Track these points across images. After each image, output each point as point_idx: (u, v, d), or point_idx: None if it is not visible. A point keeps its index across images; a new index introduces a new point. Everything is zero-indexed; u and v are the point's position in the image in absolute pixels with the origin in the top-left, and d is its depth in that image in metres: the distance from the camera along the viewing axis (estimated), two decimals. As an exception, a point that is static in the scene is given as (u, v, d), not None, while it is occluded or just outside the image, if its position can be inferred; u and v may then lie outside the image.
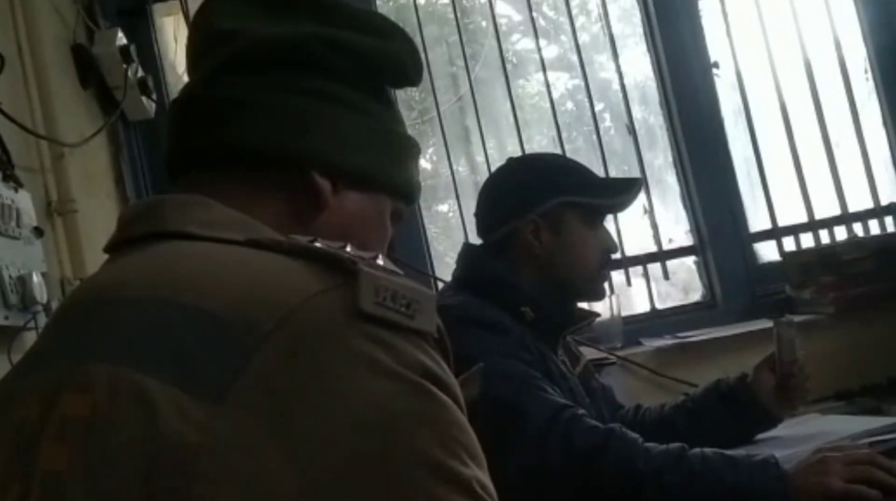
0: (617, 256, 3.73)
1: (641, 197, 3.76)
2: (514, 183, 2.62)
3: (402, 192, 1.35)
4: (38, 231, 2.36)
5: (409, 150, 1.36)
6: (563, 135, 3.90)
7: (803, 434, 2.50)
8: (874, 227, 3.81)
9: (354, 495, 0.85)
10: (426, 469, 0.87)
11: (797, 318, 3.27)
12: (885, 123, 3.88)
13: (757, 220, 3.84)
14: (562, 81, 4.20)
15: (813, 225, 3.81)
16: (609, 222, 3.70)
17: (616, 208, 2.69)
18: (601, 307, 3.53)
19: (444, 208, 4.09)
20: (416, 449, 0.88)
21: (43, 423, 0.93)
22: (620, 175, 3.86)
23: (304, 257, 0.98)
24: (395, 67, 1.32)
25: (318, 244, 1.00)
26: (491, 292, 2.43)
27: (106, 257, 1.17)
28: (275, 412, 0.86)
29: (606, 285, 2.67)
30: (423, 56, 1.37)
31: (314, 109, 1.22)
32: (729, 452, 2.10)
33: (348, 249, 0.99)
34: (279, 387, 0.87)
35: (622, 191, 2.60)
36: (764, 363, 2.57)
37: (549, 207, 2.52)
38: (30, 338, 2.25)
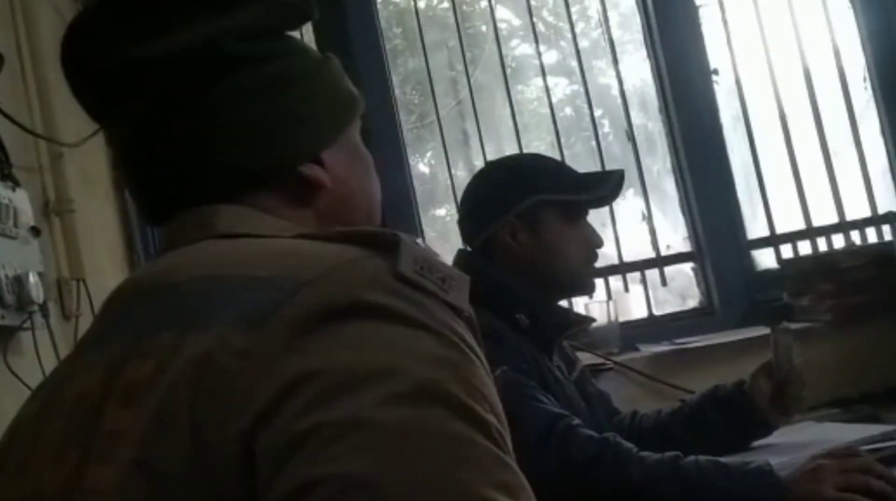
0: (615, 261, 3.75)
1: (640, 203, 3.78)
2: (490, 187, 2.64)
3: (356, 110, 1.37)
4: (36, 231, 2.35)
5: (337, 72, 1.35)
6: (562, 140, 3.91)
7: (800, 442, 2.49)
8: (871, 235, 3.80)
9: (368, 428, 0.84)
10: (443, 404, 0.87)
11: (794, 325, 3.27)
12: (883, 132, 3.88)
13: (755, 227, 3.84)
14: (561, 87, 4.21)
15: (811, 233, 3.82)
16: (607, 228, 3.74)
17: (596, 202, 2.66)
18: (599, 313, 3.54)
19: (441, 212, 4.09)
20: (437, 385, 0.88)
21: (106, 392, 0.97)
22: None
23: (351, 240, 1.02)
24: (289, 16, 1.32)
25: (362, 228, 1.07)
26: (485, 299, 2.42)
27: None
28: (304, 340, 0.89)
29: (596, 280, 2.68)
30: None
31: (268, 111, 1.22)
32: (723, 459, 2.11)
33: (397, 233, 1.02)
34: (312, 324, 0.90)
35: (599, 184, 2.60)
36: (761, 370, 2.57)
37: (525, 207, 2.53)
38: (26, 338, 2.25)
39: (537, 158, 2.86)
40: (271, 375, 0.87)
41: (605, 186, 2.59)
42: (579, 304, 3.67)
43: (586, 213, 2.62)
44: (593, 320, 2.81)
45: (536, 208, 2.53)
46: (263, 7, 1.25)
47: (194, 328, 0.94)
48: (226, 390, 0.88)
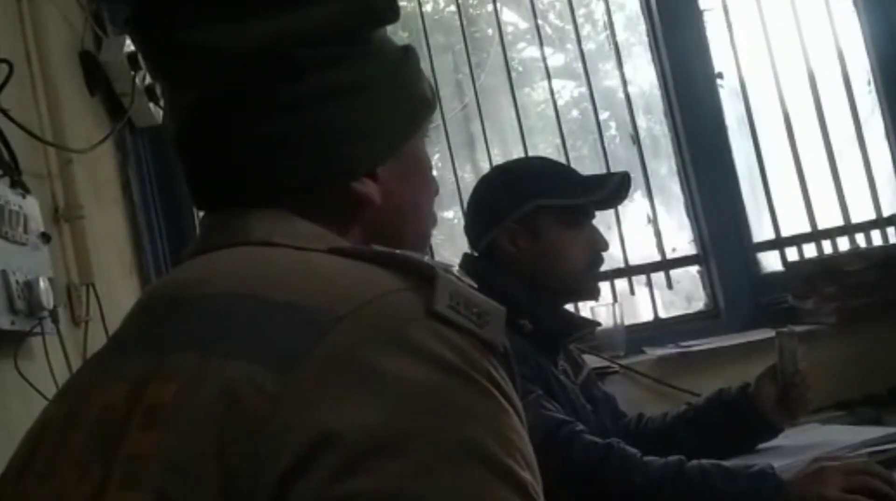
0: (621, 264, 3.76)
1: (645, 206, 3.78)
2: (490, 193, 2.65)
3: (425, 117, 1.30)
4: (46, 237, 2.36)
5: (412, 77, 1.28)
6: (569, 143, 3.92)
7: (804, 444, 2.50)
8: (876, 238, 3.81)
9: (399, 476, 0.83)
10: (478, 460, 0.86)
11: (799, 328, 3.29)
12: (887, 135, 3.88)
13: (760, 230, 3.85)
14: (568, 90, 4.22)
15: (816, 235, 3.83)
16: (613, 231, 3.75)
17: (600, 204, 2.64)
18: (605, 316, 3.55)
19: (449, 214, 4.09)
20: (470, 439, 0.87)
21: (129, 412, 0.95)
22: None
23: (386, 264, 0.99)
24: (369, 17, 1.23)
25: (398, 252, 1.01)
26: None
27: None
28: (337, 385, 0.87)
29: (600, 284, 2.69)
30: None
31: (328, 120, 1.15)
32: (726, 463, 2.12)
33: (426, 259, 1.00)
34: (344, 366, 0.88)
35: (600, 187, 2.59)
36: (766, 373, 2.57)
37: (524, 212, 2.54)
38: (36, 343, 2.27)
39: (541, 162, 2.85)
40: (304, 424, 0.85)
41: (605, 189, 2.58)
42: (585, 308, 3.69)
43: (591, 216, 2.62)
44: (598, 323, 2.81)
45: (535, 214, 2.54)
46: (338, 6, 1.18)
47: (219, 353, 0.92)
48: (256, 435, 0.85)
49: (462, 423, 0.88)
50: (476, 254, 2.65)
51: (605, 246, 2.63)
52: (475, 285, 1.01)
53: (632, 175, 2.64)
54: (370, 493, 0.81)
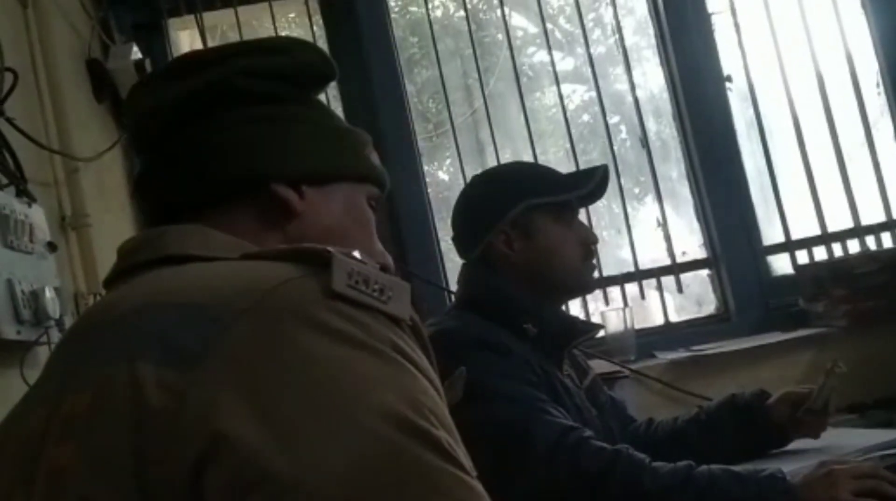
0: (631, 269, 3.76)
1: (655, 210, 3.78)
2: (478, 199, 2.64)
3: (365, 176, 1.40)
4: (52, 246, 2.37)
5: (357, 139, 1.42)
6: (580, 147, 3.92)
7: (814, 447, 2.49)
8: (887, 240, 3.80)
9: (317, 450, 0.86)
10: (392, 423, 0.88)
11: (809, 331, 3.29)
12: (897, 137, 3.87)
13: (770, 233, 3.85)
14: (577, 94, 4.22)
15: (826, 238, 3.81)
16: (623, 235, 3.75)
17: (585, 199, 2.66)
18: (615, 320, 3.55)
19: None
20: (382, 405, 0.89)
21: (46, 431, 0.98)
22: (635, 187, 3.89)
23: (286, 258, 1.03)
24: (309, 71, 1.39)
25: (301, 245, 1.06)
26: (493, 310, 2.44)
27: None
28: (243, 377, 0.89)
29: (594, 278, 2.69)
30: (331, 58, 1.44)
31: (256, 134, 1.29)
32: (736, 467, 2.10)
33: (329, 249, 1.02)
34: (248, 356, 0.91)
35: (585, 181, 2.59)
36: (789, 397, 2.53)
37: (516, 214, 2.53)
38: (43, 353, 2.26)
39: (520, 166, 2.89)
40: (209, 418, 0.87)
41: (591, 182, 2.58)
42: (596, 312, 3.69)
43: (577, 212, 2.63)
44: (601, 326, 2.81)
45: (527, 214, 2.54)
46: (282, 59, 1.35)
47: (128, 359, 0.94)
48: (166, 432, 0.88)
49: (370, 391, 0.90)
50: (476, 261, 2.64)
51: (594, 239, 2.62)
52: (374, 264, 1.03)
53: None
54: (285, 473, 0.84)
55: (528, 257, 2.53)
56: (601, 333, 3.31)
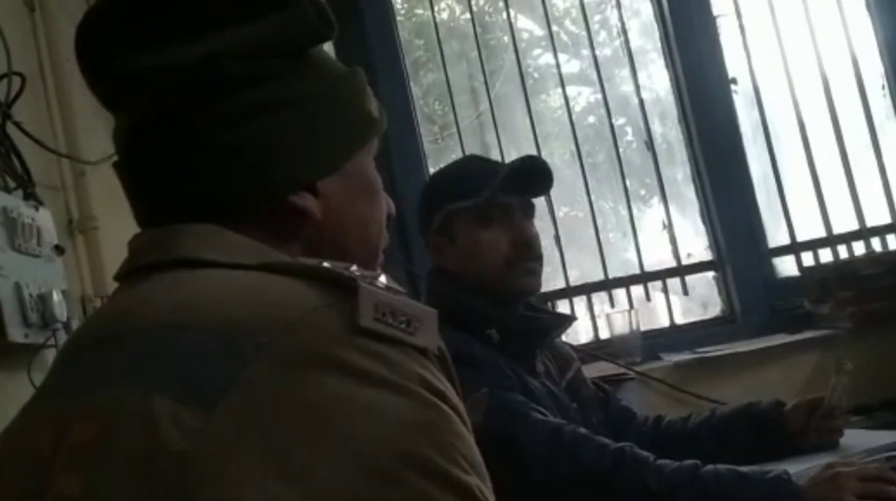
0: (636, 271, 3.76)
1: (661, 212, 3.78)
2: (417, 208, 2.65)
3: (370, 136, 1.29)
4: (59, 249, 2.37)
5: (355, 94, 1.28)
6: (586, 149, 3.93)
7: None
8: (892, 241, 3.81)
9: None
10: (421, 474, 0.86)
11: (815, 334, 3.29)
12: (902, 139, 3.87)
13: (775, 235, 3.85)
14: (583, 96, 4.22)
15: (831, 240, 3.82)
16: (628, 237, 3.75)
17: (515, 193, 2.52)
18: (621, 322, 3.55)
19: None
20: (412, 454, 0.87)
21: (53, 455, 0.94)
22: (641, 189, 3.90)
23: (309, 278, 0.98)
24: (304, 34, 1.23)
25: (325, 265, 1.00)
26: (455, 319, 2.25)
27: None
28: (264, 421, 0.86)
29: (537, 277, 2.55)
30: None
31: (266, 132, 1.15)
32: (742, 468, 2.10)
33: (353, 268, 0.99)
34: (269, 398, 0.87)
35: (511, 177, 2.48)
36: (804, 405, 2.53)
37: (438, 220, 2.53)
38: (50, 356, 2.26)
39: (453, 166, 2.77)
40: (228, 464, 0.84)
41: (498, 179, 2.47)
42: (602, 315, 3.69)
43: (512, 211, 2.53)
44: (573, 318, 2.75)
45: (448, 219, 2.52)
46: (272, 25, 1.18)
47: (142, 389, 0.91)
48: (179, 473, 0.84)
49: (398, 436, 0.88)
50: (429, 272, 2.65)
51: (524, 236, 2.51)
52: (401, 290, 0.99)
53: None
54: None
55: (457, 262, 2.51)
56: (605, 334, 3.30)
